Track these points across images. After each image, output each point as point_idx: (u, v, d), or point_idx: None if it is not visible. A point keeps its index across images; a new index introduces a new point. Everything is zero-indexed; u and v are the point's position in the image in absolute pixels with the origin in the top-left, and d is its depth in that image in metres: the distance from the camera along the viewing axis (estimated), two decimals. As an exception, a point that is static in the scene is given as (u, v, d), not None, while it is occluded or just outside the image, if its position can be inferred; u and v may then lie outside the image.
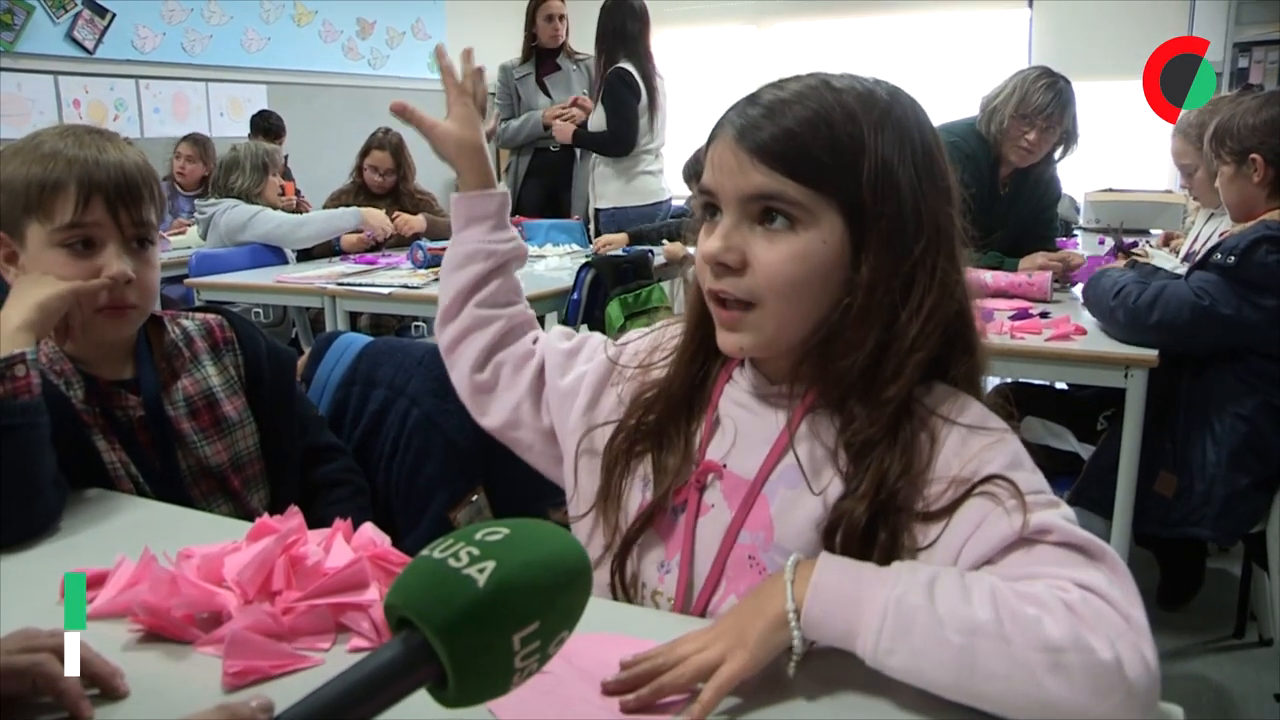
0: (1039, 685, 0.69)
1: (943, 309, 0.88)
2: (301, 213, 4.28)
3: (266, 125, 5.61)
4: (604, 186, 4.44)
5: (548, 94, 4.68)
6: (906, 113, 0.89)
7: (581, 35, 4.76)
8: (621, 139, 4.28)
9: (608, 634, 0.84)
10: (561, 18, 4.63)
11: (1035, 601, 0.72)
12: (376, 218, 3.90)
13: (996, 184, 2.86)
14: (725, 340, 0.92)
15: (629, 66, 4.20)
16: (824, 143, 0.85)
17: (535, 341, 1.16)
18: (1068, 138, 2.81)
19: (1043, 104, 2.70)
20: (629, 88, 4.20)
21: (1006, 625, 0.71)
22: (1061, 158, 2.89)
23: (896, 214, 0.86)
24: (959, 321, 0.91)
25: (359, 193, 4.18)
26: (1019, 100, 2.71)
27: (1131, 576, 0.76)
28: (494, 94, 4.60)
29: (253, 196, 3.76)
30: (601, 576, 0.98)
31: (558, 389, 1.09)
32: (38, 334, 1.15)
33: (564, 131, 4.46)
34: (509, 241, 1.17)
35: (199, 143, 5.11)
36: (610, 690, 0.76)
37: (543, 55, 4.67)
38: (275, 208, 3.83)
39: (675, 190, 4.64)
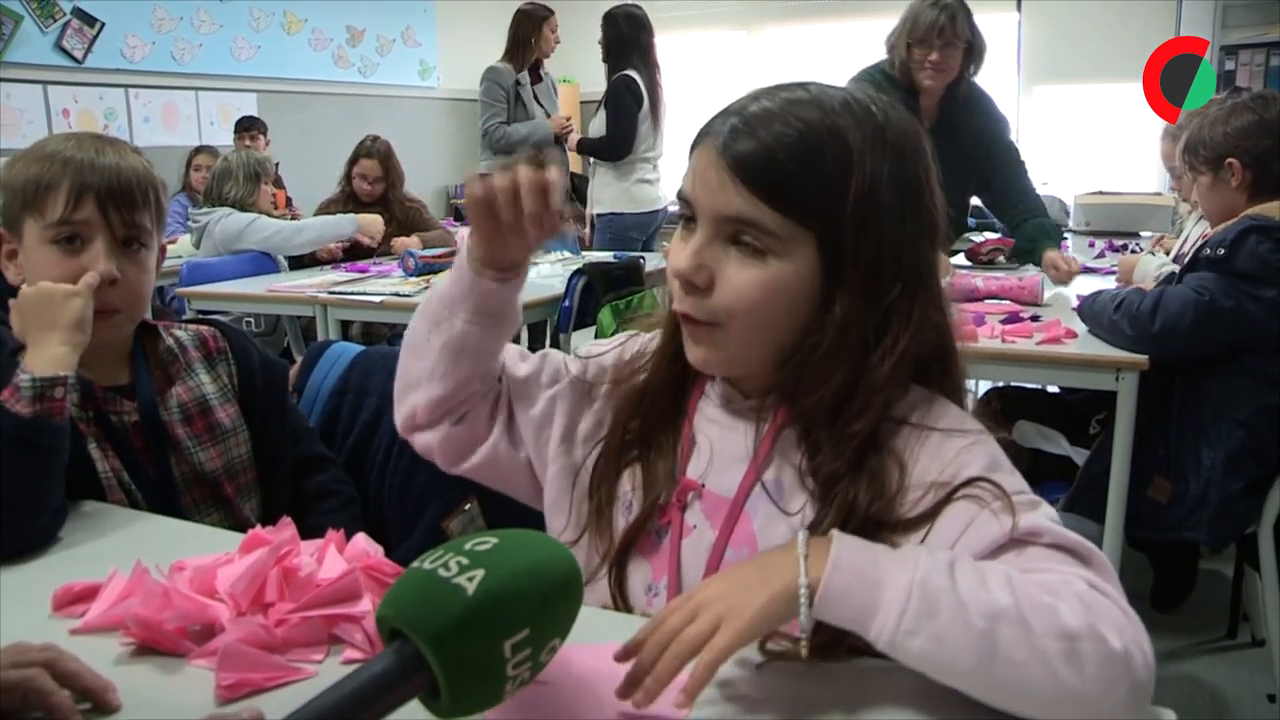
0: (1053, 673, 0.68)
1: (915, 349, 0.87)
2: (289, 216, 4.29)
3: (249, 125, 5.57)
4: (602, 192, 4.50)
5: (539, 103, 4.77)
6: (901, 138, 0.87)
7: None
8: (618, 143, 4.34)
9: (607, 644, 0.83)
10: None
11: (1049, 590, 0.72)
12: (374, 224, 3.90)
13: (920, 118, 2.90)
14: (690, 353, 0.91)
15: (634, 75, 4.31)
16: (809, 173, 0.83)
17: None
18: (972, 51, 2.89)
19: (933, 21, 2.79)
20: (633, 95, 4.30)
21: (1026, 611, 0.70)
22: (975, 73, 2.97)
23: (875, 256, 0.84)
24: (937, 361, 0.90)
25: (348, 201, 4.17)
26: (911, 27, 2.83)
27: (1119, 579, 0.77)
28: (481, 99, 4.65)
29: (246, 205, 3.76)
30: (597, 595, 0.96)
31: (530, 419, 1.04)
32: (79, 353, 1.18)
33: (574, 140, 4.59)
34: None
35: (215, 153, 5.09)
36: (621, 695, 0.74)
37: (530, 67, 4.76)
38: (268, 215, 3.83)
39: (671, 197, 4.67)
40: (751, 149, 0.84)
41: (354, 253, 3.94)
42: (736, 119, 0.86)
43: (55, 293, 1.19)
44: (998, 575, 0.73)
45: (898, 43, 2.87)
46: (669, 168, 4.66)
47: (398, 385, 1.05)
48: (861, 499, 0.84)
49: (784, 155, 0.83)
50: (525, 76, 4.70)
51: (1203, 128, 2.17)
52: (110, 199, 1.24)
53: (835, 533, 0.78)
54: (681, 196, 0.89)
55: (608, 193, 4.48)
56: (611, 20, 4.42)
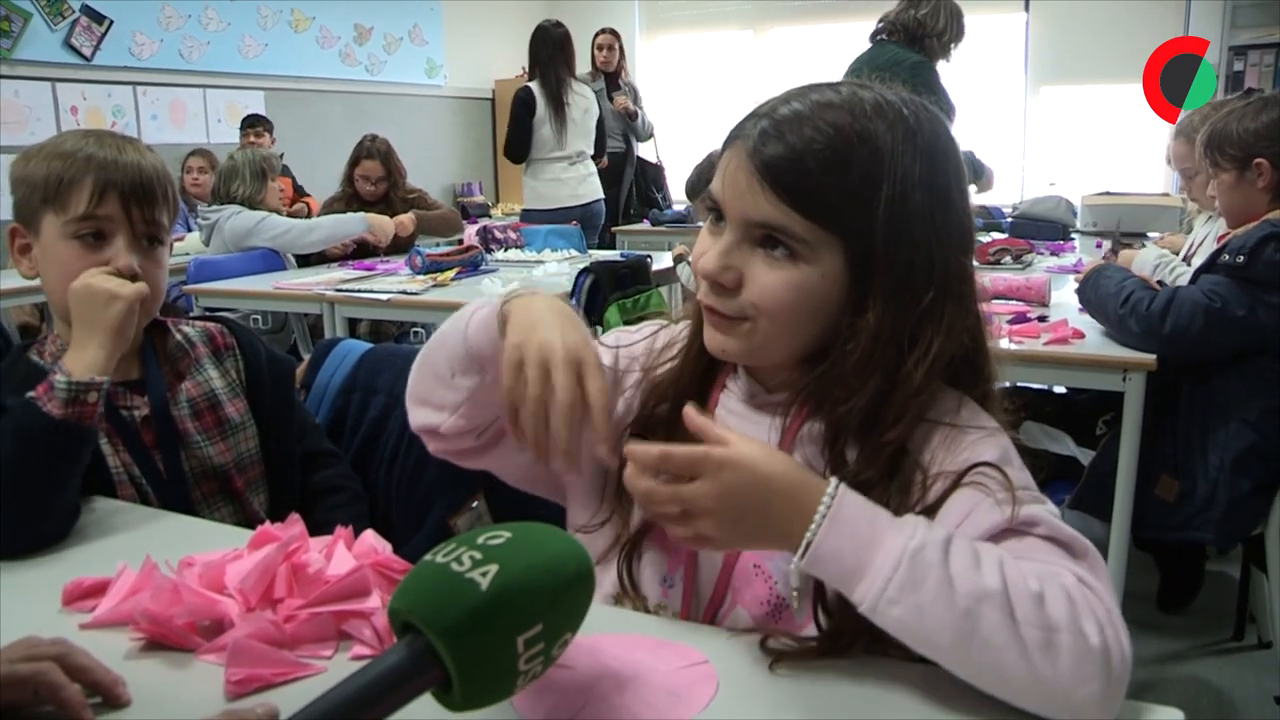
0: (1029, 661, 0.70)
1: (948, 352, 0.86)
2: (305, 212, 4.31)
3: (254, 122, 5.55)
4: (524, 190, 4.99)
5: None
6: (932, 141, 0.85)
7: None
8: (508, 148, 4.86)
9: (641, 636, 0.83)
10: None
11: (1038, 578, 0.73)
12: (383, 226, 3.90)
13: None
14: (711, 340, 0.91)
15: (532, 86, 4.74)
16: (838, 181, 0.82)
17: None
18: None
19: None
20: (523, 105, 4.75)
21: (1012, 597, 0.71)
22: None
23: (907, 263, 0.83)
24: (968, 364, 0.89)
25: (350, 201, 4.16)
26: (958, 28, 3.48)
27: (1109, 577, 0.78)
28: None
29: (255, 203, 3.76)
30: (609, 577, 0.95)
31: None
32: (116, 359, 1.19)
33: None
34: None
35: (208, 155, 5.09)
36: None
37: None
38: (278, 212, 3.83)
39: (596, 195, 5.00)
40: (780, 154, 0.83)
41: (361, 250, 3.95)
42: (766, 121, 0.85)
43: (99, 294, 1.19)
44: (992, 558, 0.74)
45: (952, 29, 3.45)
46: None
47: (415, 392, 0.99)
48: (892, 507, 0.82)
49: (813, 162, 0.82)
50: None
51: (1228, 123, 2.14)
52: (133, 196, 1.25)
53: (842, 490, 0.76)
54: (712, 196, 0.89)
55: (525, 191, 4.94)
56: (531, 39, 4.85)
